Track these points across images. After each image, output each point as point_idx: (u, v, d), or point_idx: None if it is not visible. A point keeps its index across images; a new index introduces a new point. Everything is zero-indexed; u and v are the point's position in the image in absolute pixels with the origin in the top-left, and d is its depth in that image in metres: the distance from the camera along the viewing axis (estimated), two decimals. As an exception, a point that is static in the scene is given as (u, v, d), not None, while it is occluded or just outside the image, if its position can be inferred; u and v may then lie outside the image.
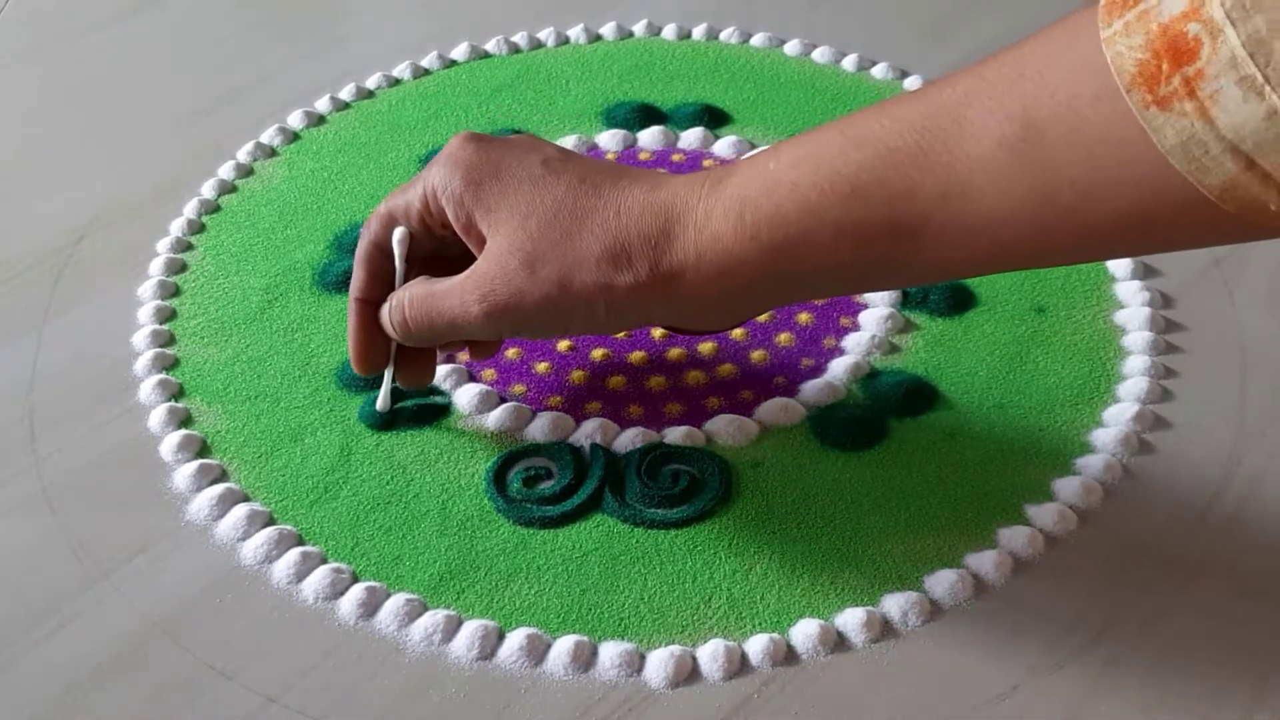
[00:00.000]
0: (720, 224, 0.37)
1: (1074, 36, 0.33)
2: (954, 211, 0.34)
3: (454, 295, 0.41)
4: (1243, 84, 0.29)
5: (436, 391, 0.50)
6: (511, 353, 0.52)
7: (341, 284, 0.55)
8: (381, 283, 0.44)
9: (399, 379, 0.47)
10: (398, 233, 0.43)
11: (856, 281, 0.42)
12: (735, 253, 0.37)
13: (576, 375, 0.51)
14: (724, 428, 0.49)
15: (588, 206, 0.39)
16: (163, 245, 0.58)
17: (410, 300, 0.43)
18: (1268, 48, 0.29)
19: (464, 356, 0.51)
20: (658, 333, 0.53)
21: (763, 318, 0.54)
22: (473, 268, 0.41)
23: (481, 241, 0.41)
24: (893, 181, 0.35)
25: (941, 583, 0.43)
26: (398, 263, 0.44)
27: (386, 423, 0.49)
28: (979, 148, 0.33)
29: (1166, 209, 0.32)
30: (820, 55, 0.70)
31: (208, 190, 0.61)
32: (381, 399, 0.48)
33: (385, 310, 0.44)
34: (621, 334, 0.53)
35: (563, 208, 0.39)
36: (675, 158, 0.63)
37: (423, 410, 0.50)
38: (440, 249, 0.44)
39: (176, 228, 0.59)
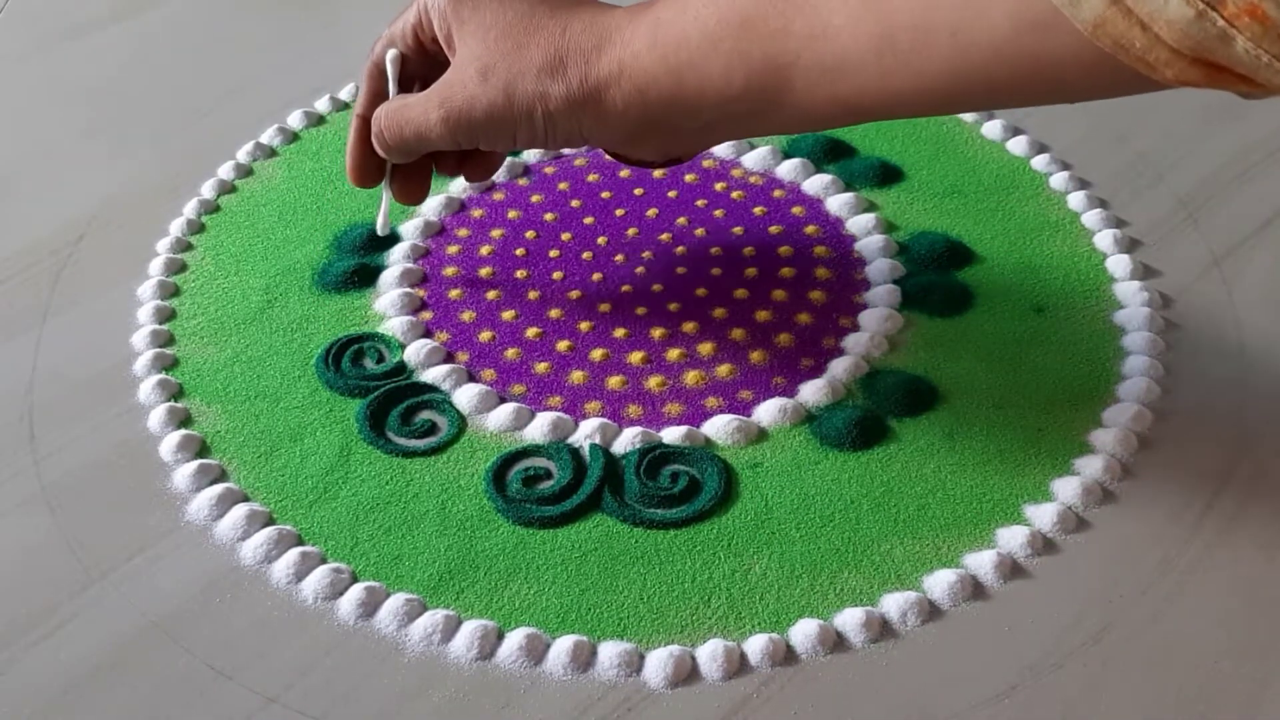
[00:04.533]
0: (639, 42, 0.40)
1: None
2: (818, 51, 0.37)
3: (418, 105, 0.44)
4: None
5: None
6: (511, 353, 0.52)
7: (341, 284, 0.55)
8: (379, 102, 0.48)
9: (395, 195, 0.50)
10: (390, 53, 0.47)
11: (746, 118, 0.42)
12: (649, 70, 0.40)
13: (576, 375, 0.51)
14: (723, 428, 0.49)
15: (541, 24, 0.42)
16: (163, 245, 0.58)
17: (385, 113, 0.46)
18: None
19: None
20: (657, 333, 0.53)
21: (762, 316, 0.54)
22: (440, 79, 0.44)
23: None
24: (772, 18, 0.38)
25: (940, 583, 0.43)
26: (390, 84, 0.47)
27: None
28: None
29: (1039, 48, 0.33)
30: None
31: (208, 190, 0.61)
32: (381, 220, 0.52)
33: (373, 125, 0.47)
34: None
35: (519, 22, 0.42)
36: (675, 158, 0.63)
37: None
38: (434, 70, 0.46)
39: (176, 228, 0.59)
